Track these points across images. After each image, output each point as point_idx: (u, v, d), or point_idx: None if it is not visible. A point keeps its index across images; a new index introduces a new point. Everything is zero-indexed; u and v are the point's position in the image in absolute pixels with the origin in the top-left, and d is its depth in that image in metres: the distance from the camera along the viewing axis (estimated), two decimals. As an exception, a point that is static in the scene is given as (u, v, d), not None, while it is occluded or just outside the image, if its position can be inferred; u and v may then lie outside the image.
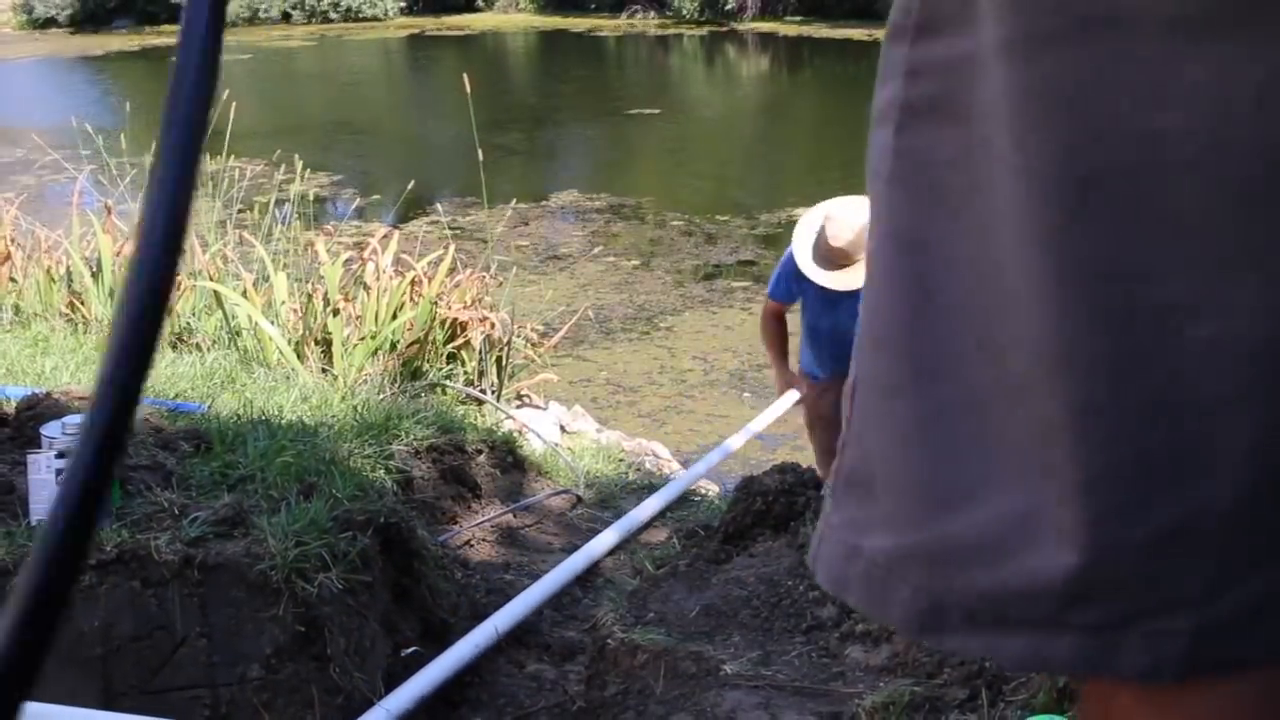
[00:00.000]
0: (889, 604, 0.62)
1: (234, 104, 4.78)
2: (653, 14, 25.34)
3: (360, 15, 27.54)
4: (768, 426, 3.94)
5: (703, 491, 3.66)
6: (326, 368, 3.66)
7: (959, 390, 0.59)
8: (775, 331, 3.97)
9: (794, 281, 3.64)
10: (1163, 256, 0.53)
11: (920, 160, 0.61)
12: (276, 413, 2.69)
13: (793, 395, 3.82)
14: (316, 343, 3.76)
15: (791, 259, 3.65)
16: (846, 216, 3.44)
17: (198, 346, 3.81)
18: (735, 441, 3.81)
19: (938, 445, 0.60)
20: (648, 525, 2.96)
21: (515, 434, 3.50)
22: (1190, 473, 0.54)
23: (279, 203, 5.06)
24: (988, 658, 0.59)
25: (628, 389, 5.94)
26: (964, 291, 0.59)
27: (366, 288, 3.92)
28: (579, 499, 3.21)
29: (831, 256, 3.49)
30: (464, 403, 3.72)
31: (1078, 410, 0.55)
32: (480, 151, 4.71)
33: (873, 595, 0.63)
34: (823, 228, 3.48)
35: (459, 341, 3.88)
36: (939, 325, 0.60)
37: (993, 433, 0.59)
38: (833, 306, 3.61)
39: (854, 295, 3.45)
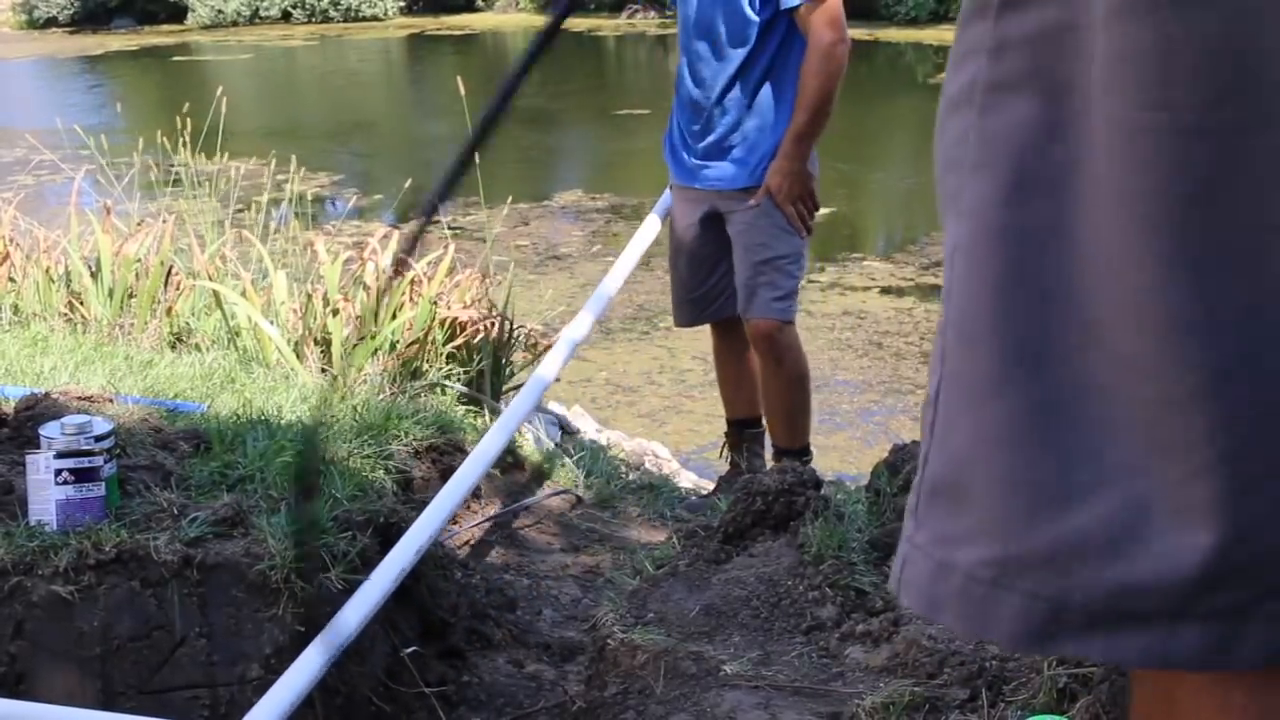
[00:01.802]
0: (994, 618, 0.57)
1: (233, 103, 4.78)
2: (653, 14, 25.32)
3: (360, 15, 27.54)
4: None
5: (702, 490, 3.66)
6: (326, 368, 3.66)
7: (1063, 380, 0.55)
8: None
9: None
10: None
11: (1009, 141, 0.57)
12: (276, 413, 2.69)
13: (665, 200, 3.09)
14: (316, 343, 3.75)
15: None
16: None
17: (197, 346, 3.80)
18: (611, 283, 3.11)
19: (1043, 440, 0.56)
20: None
21: (515, 434, 3.49)
22: None
23: (277, 202, 5.06)
24: (1107, 661, 0.57)
25: (627, 389, 5.94)
26: (1066, 274, 0.55)
27: (366, 288, 3.92)
28: (579, 499, 3.21)
29: None
30: (463, 403, 3.72)
31: (1212, 378, 0.51)
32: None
33: (972, 612, 0.58)
34: None
35: (458, 341, 3.87)
36: (1038, 314, 0.56)
37: (1104, 419, 0.54)
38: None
39: None
